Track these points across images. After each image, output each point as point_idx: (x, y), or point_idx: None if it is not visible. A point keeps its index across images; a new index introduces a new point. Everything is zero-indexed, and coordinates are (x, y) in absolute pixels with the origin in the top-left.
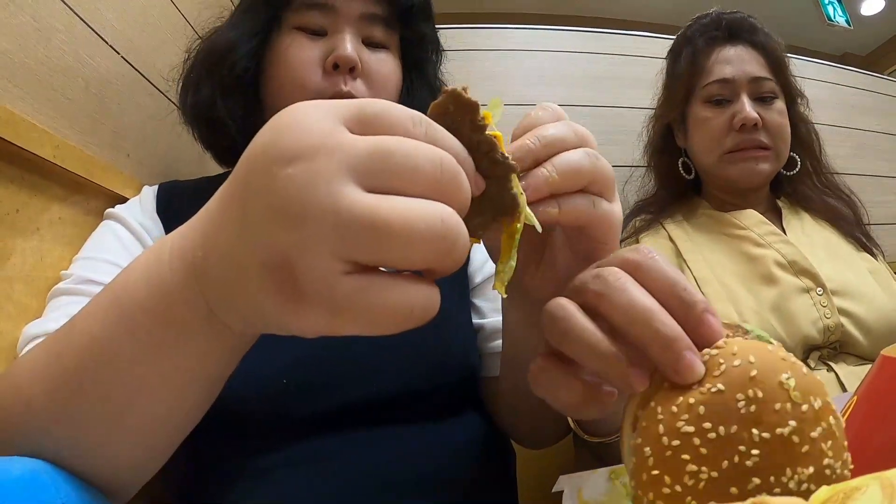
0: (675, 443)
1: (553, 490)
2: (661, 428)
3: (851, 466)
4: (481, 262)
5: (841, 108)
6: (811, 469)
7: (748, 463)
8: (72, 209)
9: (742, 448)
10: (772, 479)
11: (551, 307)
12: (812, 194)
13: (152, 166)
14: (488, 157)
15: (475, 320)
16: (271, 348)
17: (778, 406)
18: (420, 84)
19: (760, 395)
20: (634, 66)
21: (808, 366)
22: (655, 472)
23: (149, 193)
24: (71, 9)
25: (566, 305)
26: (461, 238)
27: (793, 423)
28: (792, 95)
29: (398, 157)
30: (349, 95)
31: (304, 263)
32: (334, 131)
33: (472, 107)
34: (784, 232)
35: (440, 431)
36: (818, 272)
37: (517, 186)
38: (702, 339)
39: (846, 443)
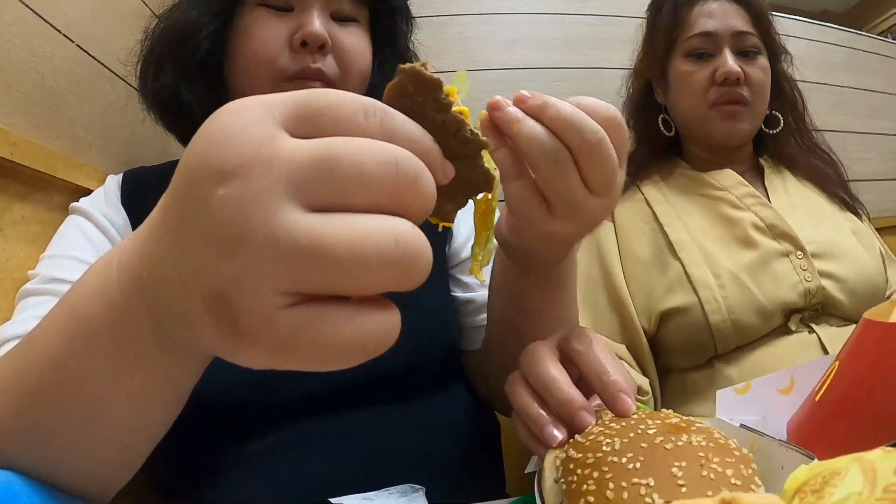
0: (591, 437)
1: (526, 471)
2: (578, 437)
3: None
4: (466, 237)
5: (821, 65)
6: (703, 435)
7: (650, 431)
8: (35, 206)
9: (643, 426)
10: (672, 437)
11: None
12: (795, 153)
13: (116, 155)
14: (456, 136)
15: (463, 294)
16: None
17: (663, 414)
18: (391, 57)
19: (649, 412)
20: (611, 26)
21: (789, 329)
22: (578, 455)
23: (113, 183)
24: (21, 0)
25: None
26: (421, 258)
27: (677, 419)
28: (776, 52)
29: (345, 166)
30: (318, 72)
31: (242, 297)
32: (271, 138)
33: (435, 85)
34: (766, 192)
35: (424, 409)
36: (798, 235)
37: (489, 162)
38: (618, 411)
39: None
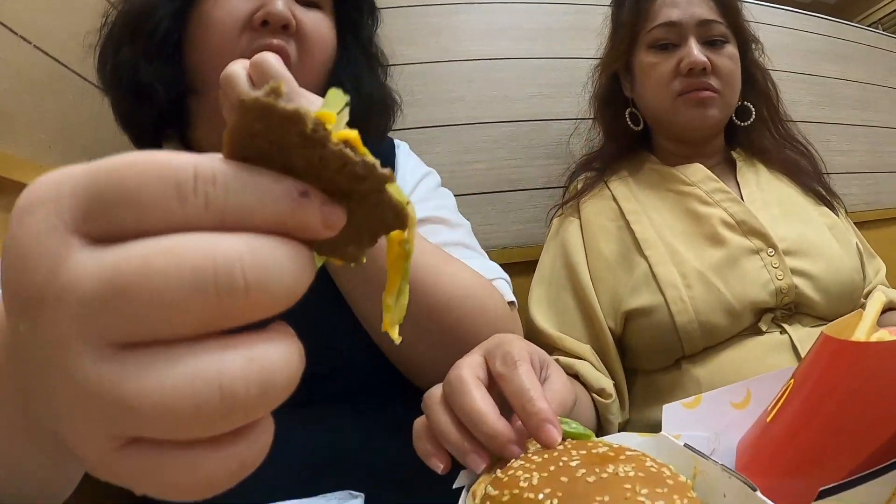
0: (511, 472)
1: (454, 486)
2: (498, 472)
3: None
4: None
5: (806, 55)
6: (632, 464)
7: (573, 463)
8: None
9: (565, 458)
10: (597, 469)
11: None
12: (769, 145)
13: (78, 154)
14: (343, 173)
15: None
16: None
17: (590, 444)
18: (354, 50)
19: (575, 442)
20: (591, 14)
21: (759, 329)
22: (496, 492)
23: None
24: None
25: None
26: (263, 400)
27: (605, 448)
28: (745, 41)
29: (137, 295)
30: (280, 50)
31: (75, 443)
32: (59, 258)
33: (293, 118)
34: (738, 186)
35: (369, 410)
36: (769, 232)
37: (398, 194)
38: (543, 442)
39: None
